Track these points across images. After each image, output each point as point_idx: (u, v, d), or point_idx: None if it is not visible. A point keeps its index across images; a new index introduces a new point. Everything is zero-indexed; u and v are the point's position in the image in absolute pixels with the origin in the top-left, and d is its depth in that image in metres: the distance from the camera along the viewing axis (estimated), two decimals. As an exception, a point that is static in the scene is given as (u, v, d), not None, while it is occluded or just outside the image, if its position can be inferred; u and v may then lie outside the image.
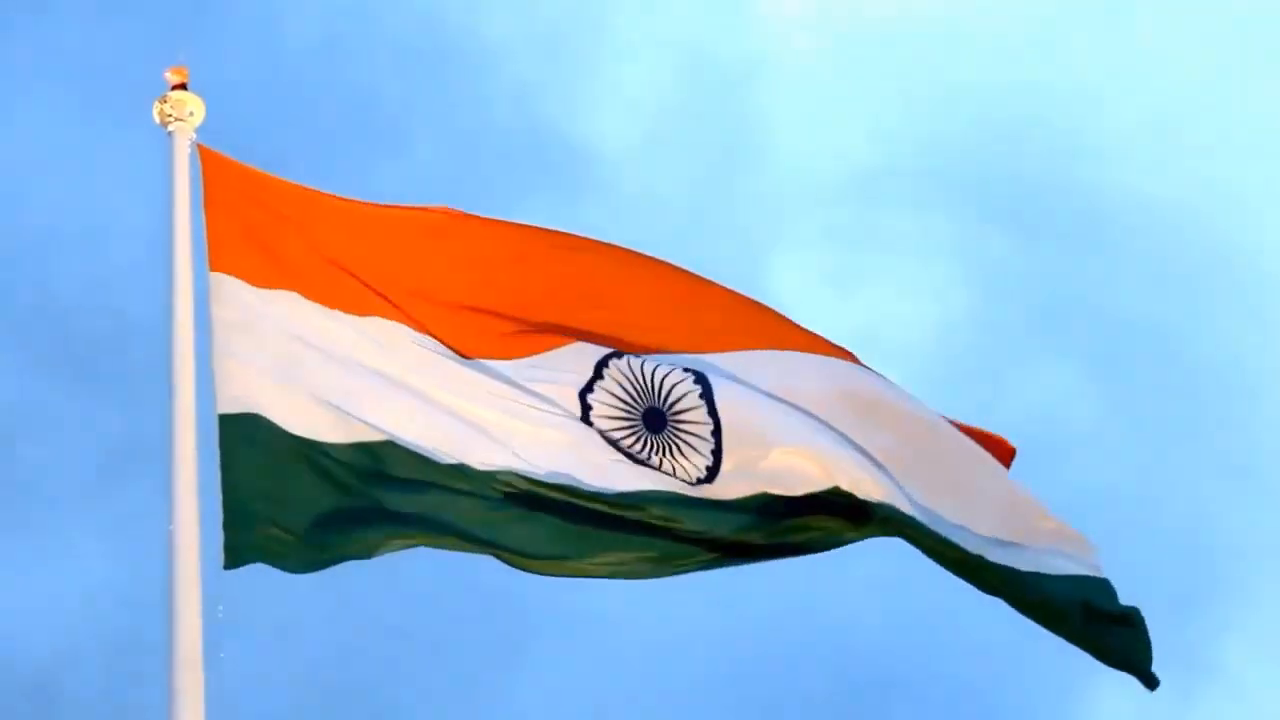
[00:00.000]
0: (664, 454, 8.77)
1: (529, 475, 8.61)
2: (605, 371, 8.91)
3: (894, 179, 27.66)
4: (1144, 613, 8.91)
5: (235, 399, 8.38)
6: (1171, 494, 24.77)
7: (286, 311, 8.79)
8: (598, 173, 27.28)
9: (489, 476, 8.58)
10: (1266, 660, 24.38)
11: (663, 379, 8.90)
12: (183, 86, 9.33)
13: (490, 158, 27.32)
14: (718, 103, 28.50)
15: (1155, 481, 24.77)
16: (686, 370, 8.93)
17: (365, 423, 8.55)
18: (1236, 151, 27.94)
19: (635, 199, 27.02)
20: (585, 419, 8.81)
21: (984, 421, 9.30)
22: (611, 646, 20.89)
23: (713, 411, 8.87)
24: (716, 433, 8.85)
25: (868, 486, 8.70)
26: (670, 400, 8.87)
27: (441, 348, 8.93)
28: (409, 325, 8.93)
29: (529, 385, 8.87)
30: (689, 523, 8.67)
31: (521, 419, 8.75)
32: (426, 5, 28.10)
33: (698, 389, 8.89)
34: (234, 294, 8.70)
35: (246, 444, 8.29)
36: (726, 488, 8.74)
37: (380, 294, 8.99)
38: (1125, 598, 8.89)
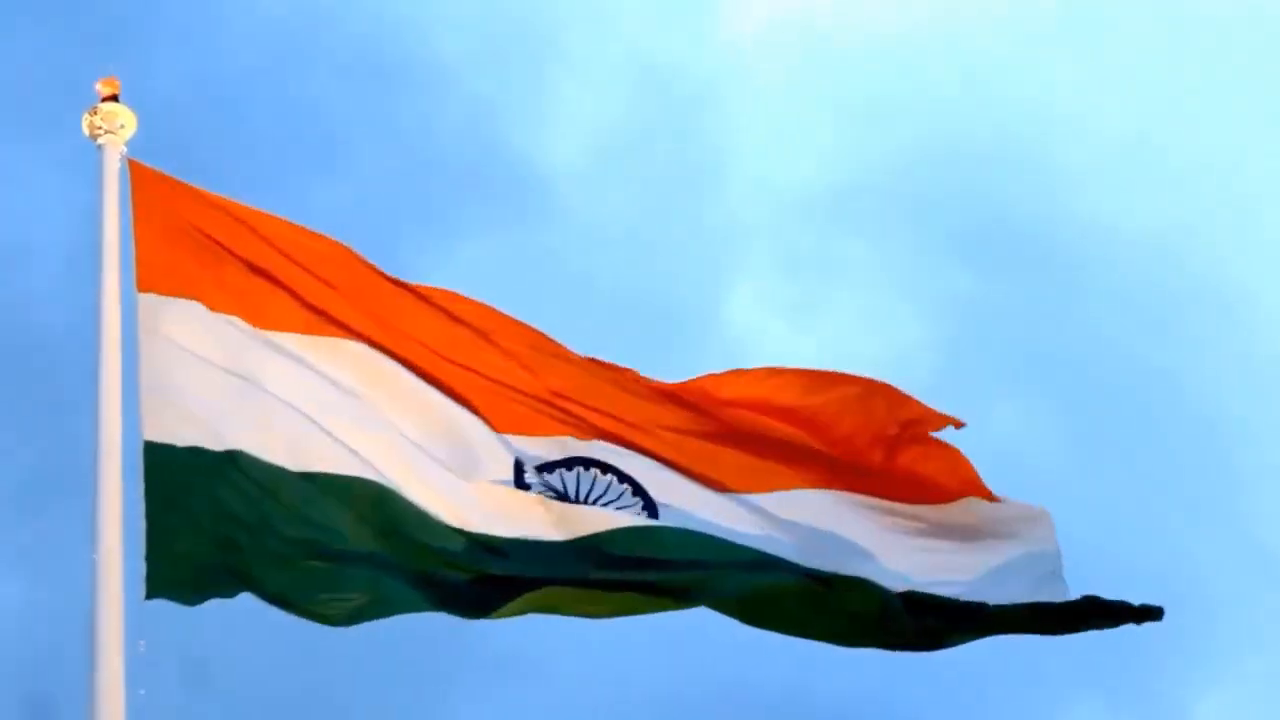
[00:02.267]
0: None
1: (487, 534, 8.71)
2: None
3: (855, 205, 27.78)
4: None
5: (163, 425, 8.37)
6: (1142, 539, 24.80)
7: (220, 333, 8.79)
8: (548, 195, 27.34)
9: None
10: (1241, 715, 24.50)
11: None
12: (114, 98, 9.31)
13: (436, 178, 27.37)
14: (673, 124, 28.60)
15: (1125, 525, 24.81)
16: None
17: (304, 451, 8.58)
18: (1211, 181, 28.13)
19: (586, 223, 27.09)
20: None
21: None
22: (544, 686, 20.89)
23: (626, 479, 9.05)
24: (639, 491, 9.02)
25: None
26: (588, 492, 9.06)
27: (394, 363, 9.01)
28: (355, 340, 8.99)
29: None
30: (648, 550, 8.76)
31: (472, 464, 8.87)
32: (372, 19, 28.15)
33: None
34: (163, 315, 8.68)
35: (173, 471, 8.27)
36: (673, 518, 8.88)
37: (321, 313, 9.03)
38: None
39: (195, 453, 8.38)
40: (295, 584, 8.29)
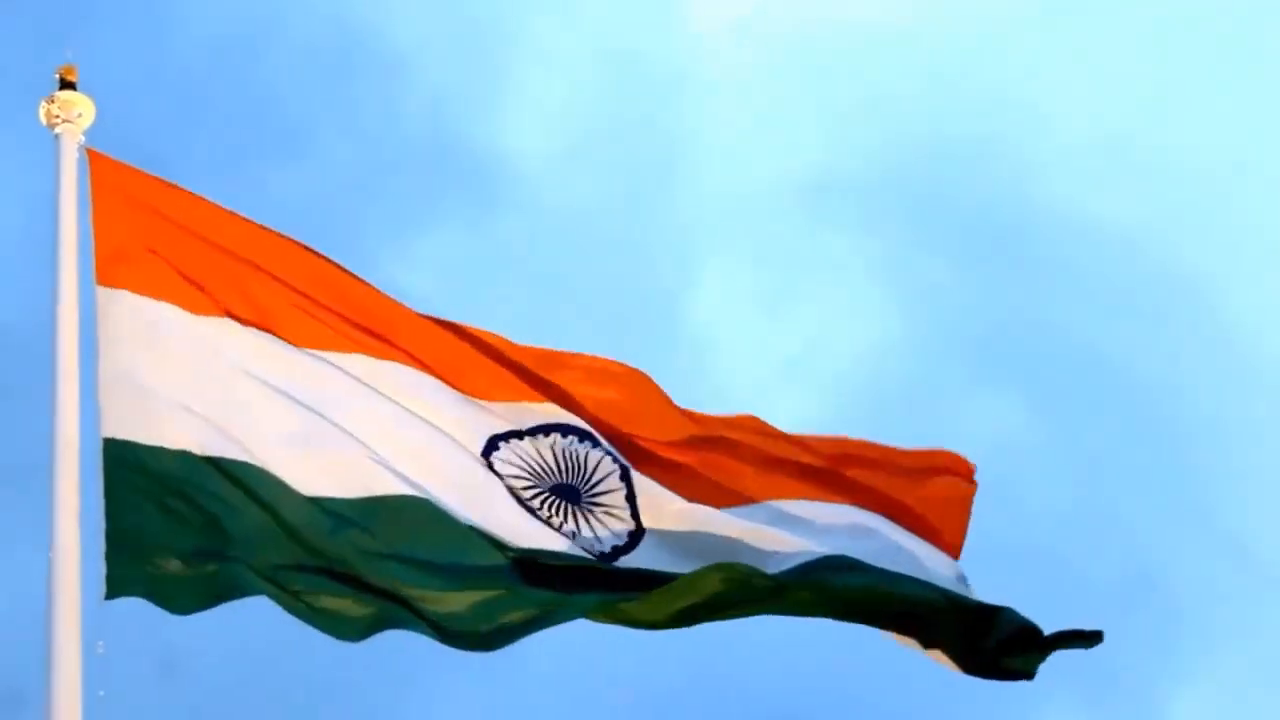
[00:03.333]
0: (577, 521, 8.90)
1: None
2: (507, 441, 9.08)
3: (828, 196, 27.81)
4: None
5: (122, 421, 8.35)
6: (1119, 533, 24.92)
7: (180, 328, 8.76)
8: (514, 187, 27.31)
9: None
10: (1218, 713, 24.58)
11: (584, 456, 9.08)
12: (71, 85, 9.30)
13: (399, 168, 27.32)
14: (644, 114, 28.59)
15: (1102, 519, 24.92)
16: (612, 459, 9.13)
17: (267, 448, 8.56)
18: (1190, 171, 28.19)
19: (554, 215, 27.06)
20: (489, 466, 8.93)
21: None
22: (509, 682, 20.89)
23: (630, 497, 9.04)
24: (634, 513, 9.01)
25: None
26: (589, 478, 9.04)
27: (351, 358, 8.99)
28: (313, 346, 8.98)
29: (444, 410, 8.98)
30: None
31: (430, 454, 8.82)
32: (333, 5, 28.10)
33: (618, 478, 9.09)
34: (123, 309, 8.65)
35: (132, 468, 8.24)
36: (645, 557, 8.86)
37: (280, 309, 9.01)
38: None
39: (153, 451, 8.35)
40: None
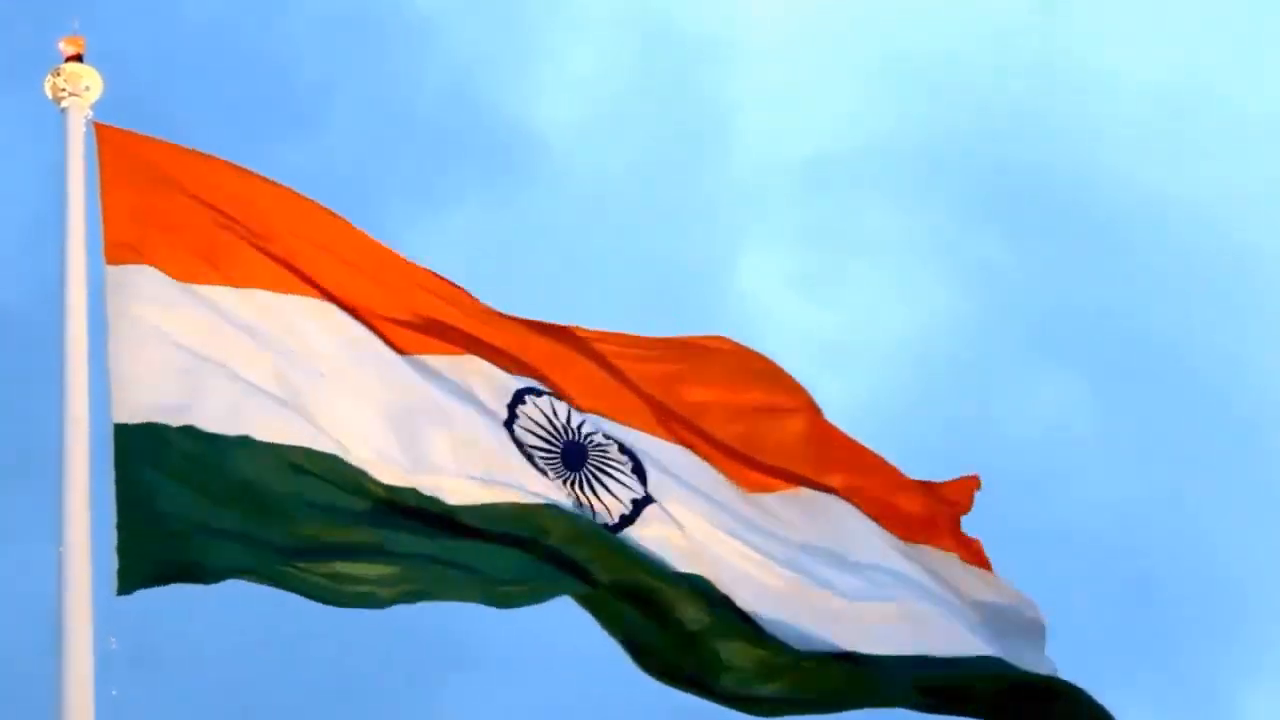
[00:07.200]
0: (581, 490, 9.01)
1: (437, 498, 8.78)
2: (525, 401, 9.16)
3: (873, 169, 27.79)
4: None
5: (134, 405, 8.42)
6: (1184, 523, 24.86)
7: (195, 307, 8.81)
8: (542, 159, 27.38)
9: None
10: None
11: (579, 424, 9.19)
12: (78, 58, 9.37)
13: (420, 139, 27.40)
14: (678, 83, 28.63)
15: (1165, 507, 24.88)
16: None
17: (288, 427, 8.64)
18: (1258, 146, 28.12)
19: (585, 188, 27.13)
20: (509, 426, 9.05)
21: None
22: (539, 683, 20.97)
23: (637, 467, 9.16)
24: (639, 472, 9.11)
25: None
26: (589, 439, 9.15)
27: (369, 333, 9.08)
28: (335, 305, 9.07)
29: (458, 387, 9.08)
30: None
31: (445, 426, 8.92)
32: (351, -31, 28.18)
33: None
34: (135, 288, 8.71)
35: (146, 456, 8.29)
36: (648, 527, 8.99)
37: (302, 274, 9.09)
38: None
39: (169, 434, 8.41)
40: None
